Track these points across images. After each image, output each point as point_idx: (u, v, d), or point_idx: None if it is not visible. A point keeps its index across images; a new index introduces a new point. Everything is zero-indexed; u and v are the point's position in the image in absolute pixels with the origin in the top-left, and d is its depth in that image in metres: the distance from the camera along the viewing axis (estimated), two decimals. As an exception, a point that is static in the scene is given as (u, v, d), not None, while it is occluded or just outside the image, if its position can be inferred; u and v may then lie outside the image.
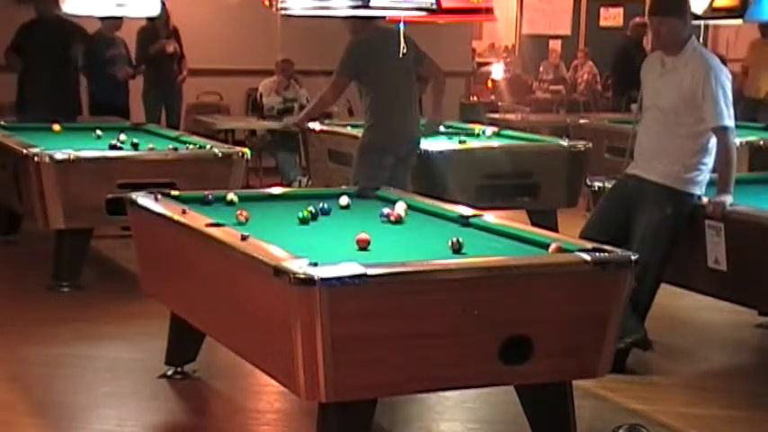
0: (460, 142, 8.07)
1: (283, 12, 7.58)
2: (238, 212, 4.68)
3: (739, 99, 8.94)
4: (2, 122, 8.43)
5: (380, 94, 6.80)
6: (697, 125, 5.29)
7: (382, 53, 6.74)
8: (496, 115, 12.21)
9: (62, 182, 6.59)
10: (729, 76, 5.34)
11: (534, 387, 4.20)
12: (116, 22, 9.82)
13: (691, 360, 5.92)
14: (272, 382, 4.22)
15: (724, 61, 5.80)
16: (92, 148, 7.12)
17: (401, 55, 6.50)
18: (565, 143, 8.28)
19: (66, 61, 9.17)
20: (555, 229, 6.85)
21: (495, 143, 8.32)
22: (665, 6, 5.38)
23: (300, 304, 3.59)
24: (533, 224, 6.47)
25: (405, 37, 6.66)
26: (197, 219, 4.56)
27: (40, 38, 9.05)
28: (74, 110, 9.30)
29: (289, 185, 9.64)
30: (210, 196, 5.20)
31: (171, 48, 10.41)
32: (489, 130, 8.82)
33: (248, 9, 11.54)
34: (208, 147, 7.36)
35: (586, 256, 3.97)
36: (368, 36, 6.80)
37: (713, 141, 5.31)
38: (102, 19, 9.71)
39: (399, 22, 8.61)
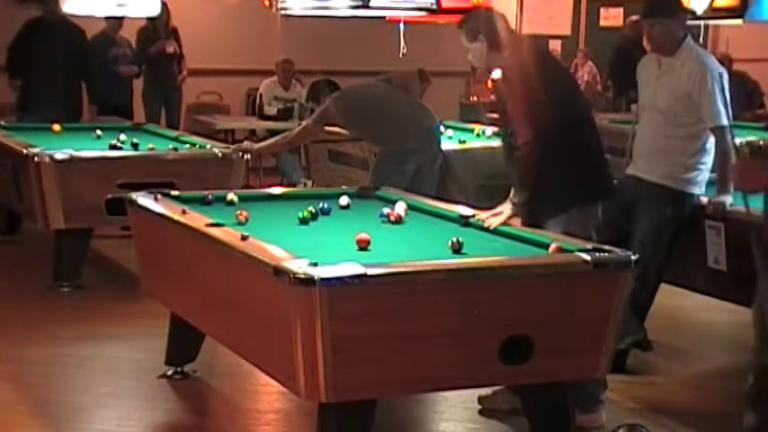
0: (460, 142, 8.06)
1: (283, 12, 7.60)
2: (238, 212, 4.68)
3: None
4: (2, 122, 8.43)
5: (383, 142, 6.86)
6: (695, 125, 5.28)
7: (377, 110, 6.77)
8: (496, 115, 12.17)
9: (62, 182, 6.59)
10: (726, 76, 5.34)
11: (534, 387, 4.21)
12: (119, 21, 9.84)
13: (691, 360, 5.91)
14: (272, 382, 4.22)
15: (725, 60, 5.79)
16: (92, 148, 7.13)
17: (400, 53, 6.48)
18: (565, 143, 8.25)
19: (69, 62, 9.16)
20: (555, 229, 6.83)
21: (496, 143, 8.30)
22: (657, 8, 5.38)
23: (300, 304, 3.59)
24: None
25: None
26: (197, 219, 4.56)
27: (44, 38, 9.04)
28: (76, 110, 9.30)
29: (293, 187, 9.62)
30: (210, 196, 5.20)
31: (171, 48, 10.41)
32: (489, 130, 8.80)
33: (248, 9, 11.52)
34: (208, 147, 7.37)
35: (586, 257, 3.98)
36: (357, 97, 6.82)
37: (712, 141, 5.31)
38: (107, 19, 9.72)
39: (399, 21, 8.62)
